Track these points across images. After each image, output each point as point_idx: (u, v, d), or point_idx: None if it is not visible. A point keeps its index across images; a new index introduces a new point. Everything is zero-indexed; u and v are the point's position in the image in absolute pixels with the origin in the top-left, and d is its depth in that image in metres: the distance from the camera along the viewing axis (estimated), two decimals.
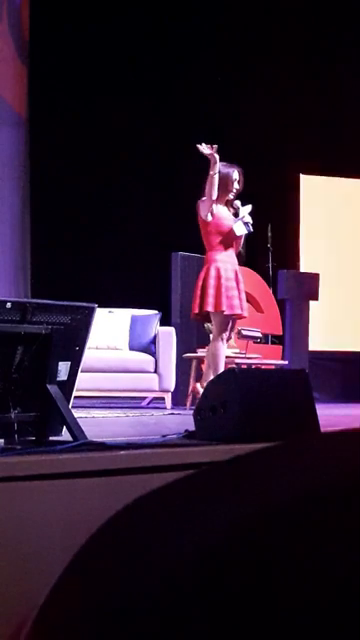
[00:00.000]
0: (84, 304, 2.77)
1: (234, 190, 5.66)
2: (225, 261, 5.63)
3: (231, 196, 5.66)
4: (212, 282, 5.54)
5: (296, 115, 9.37)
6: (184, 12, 9.17)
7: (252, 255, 9.04)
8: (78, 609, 0.55)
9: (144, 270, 8.20)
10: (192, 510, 0.59)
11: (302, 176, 9.72)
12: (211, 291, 5.51)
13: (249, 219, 5.66)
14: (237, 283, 5.64)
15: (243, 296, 5.68)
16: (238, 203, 5.68)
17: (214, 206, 5.60)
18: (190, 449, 2.56)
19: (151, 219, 8.28)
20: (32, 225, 9.07)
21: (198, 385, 5.77)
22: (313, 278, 8.75)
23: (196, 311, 5.65)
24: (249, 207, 5.70)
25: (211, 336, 5.77)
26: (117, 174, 8.81)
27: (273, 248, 9.13)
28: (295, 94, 9.33)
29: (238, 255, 8.75)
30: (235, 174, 5.69)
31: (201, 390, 5.68)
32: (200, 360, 7.36)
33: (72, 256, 8.55)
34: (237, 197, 5.73)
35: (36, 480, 2.12)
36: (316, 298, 8.70)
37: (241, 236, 5.74)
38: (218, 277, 5.55)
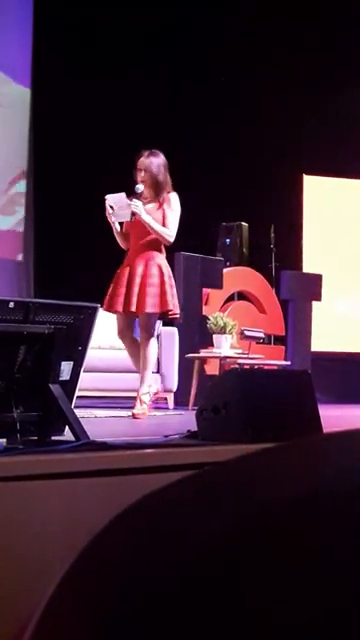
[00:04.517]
0: (87, 304, 2.77)
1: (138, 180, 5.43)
2: (128, 258, 5.41)
3: (137, 186, 5.38)
4: (112, 282, 5.40)
5: (299, 115, 9.37)
6: (189, 10, 9.17)
7: (255, 256, 9.05)
8: (82, 609, 0.55)
9: None
10: (194, 510, 0.59)
11: (305, 176, 9.72)
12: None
13: (136, 204, 5.26)
14: (132, 277, 5.28)
15: (135, 290, 5.24)
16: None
17: None
18: (192, 449, 2.56)
19: None
20: (35, 224, 9.09)
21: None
22: (316, 279, 8.75)
23: None
24: (117, 195, 5.33)
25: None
26: (121, 174, 8.80)
27: (276, 249, 9.13)
28: (298, 94, 9.33)
29: (241, 256, 8.78)
30: (138, 161, 5.49)
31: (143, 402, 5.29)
32: (203, 360, 7.37)
33: (75, 256, 8.56)
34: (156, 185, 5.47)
35: (38, 480, 2.12)
36: (319, 299, 8.70)
37: (132, 225, 5.35)
38: (115, 278, 5.40)
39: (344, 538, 0.52)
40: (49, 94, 8.81)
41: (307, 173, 9.69)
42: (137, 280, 5.28)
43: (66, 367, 2.66)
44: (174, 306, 5.41)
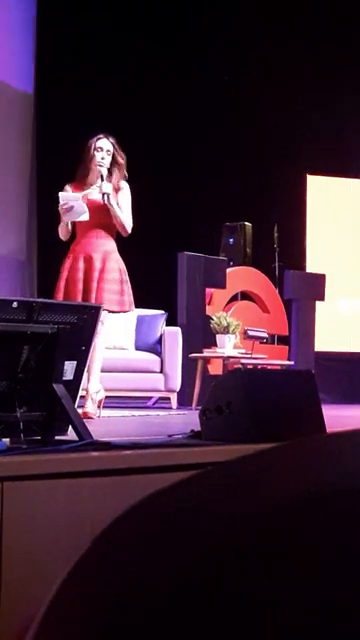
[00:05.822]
0: (90, 304, 2.77)
1: (98, 164, 5.14)
2: (82, 247, 5.20)
3: (99, 168, 5.13)
4: (63, 274, 5.17)
5: (303, 115, 9.36)
6: (189, 9, 9.17)
7: (258, 255, 9.05)
8: (85, 608, 0.55)
9: (150, 270, 8.21)
10: (196, 510, 0.59)
11: (308, 176, 9.71)
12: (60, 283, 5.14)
13: (107, 185, 5.06)
14: (89, 271, 5.01)
15: (94, 285, 4.93)
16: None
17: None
18: (195, 449, 2.56)
19: (157, 219, 8.28)
20: (38, 223, 9.09)
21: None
22: (319, 278, 8.76)
23: None
24: (71, 194, 5.17)
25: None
26: None
27: (279, 248, 9.13)
28: (302, 93, 9.32)
29: (244, 256, 8.78)
30: (98, 142, 5.21)
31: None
32: (206, 360, 7.37)
33: None
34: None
35: (42, 479, 2.12)
36: (322, 298, 8.70)
37: (90, 211, 5.12)
38: (66, 269, 5.17)
39: (345, 538, 0.52)
40: (50, 95, 8.82)
41: (310, 173, 9.69)
42: (95, 275, 5.00)
43: (69, 367, 2.67)
44: (130, 304, 5.16)
